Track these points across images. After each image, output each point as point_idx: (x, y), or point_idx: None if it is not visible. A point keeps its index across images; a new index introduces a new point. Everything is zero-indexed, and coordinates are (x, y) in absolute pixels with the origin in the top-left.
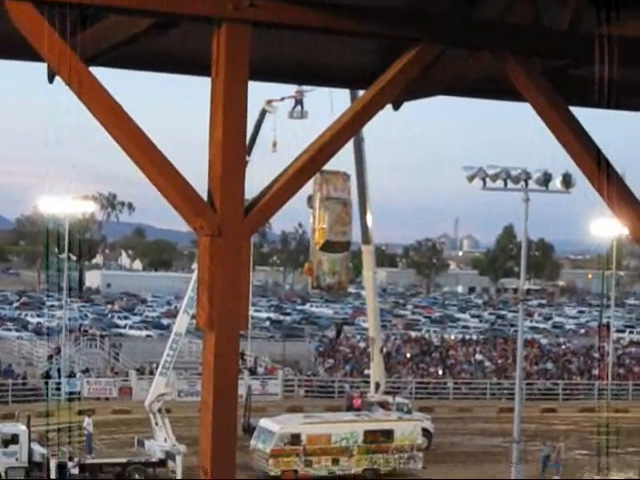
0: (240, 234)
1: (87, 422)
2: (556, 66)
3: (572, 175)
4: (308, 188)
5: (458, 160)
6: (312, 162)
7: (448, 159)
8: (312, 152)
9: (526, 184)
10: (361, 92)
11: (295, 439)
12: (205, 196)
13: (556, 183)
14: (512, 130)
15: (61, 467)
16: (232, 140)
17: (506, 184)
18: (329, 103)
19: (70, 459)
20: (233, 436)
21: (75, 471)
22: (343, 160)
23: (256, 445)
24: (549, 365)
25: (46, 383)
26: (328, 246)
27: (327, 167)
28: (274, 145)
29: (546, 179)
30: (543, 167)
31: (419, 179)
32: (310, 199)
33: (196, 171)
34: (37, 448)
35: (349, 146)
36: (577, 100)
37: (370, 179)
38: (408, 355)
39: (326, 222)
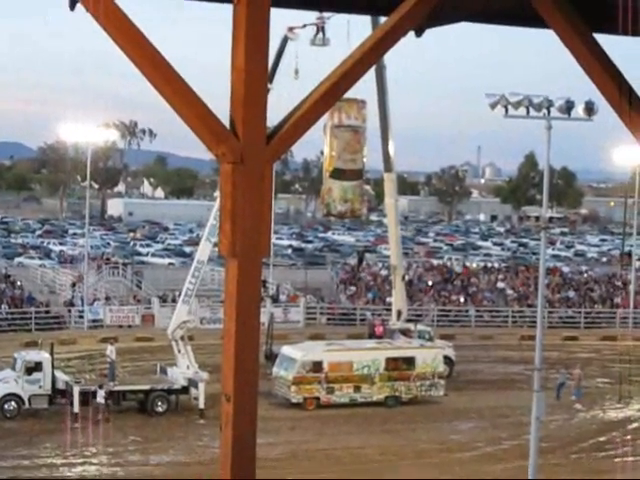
0: (262, 161)
1: (110, 350)
2: None
3: (595, 103)
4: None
5: (480, 87)
6: (334, 90)
7: (470, 86)
8: (334, 79)
9: (548, 112)
10: (383, 19)
11: (317, 366)
12: (227, 123)
13: (578, 111)
14: (534, 57)
15: (84, 394)
16: (254, 67)
17: (528, 112)
18: (349, 31)
19: (100, 387)
20: (255, 363)
21: (101, 399)
22: (365, 88)
23: (278, 372)
24: (571, 293)
25: (69, 311)
26: (338, 174)
27: (348, 94)
28: (296, 72)
29: (568, 107)
30: (566, 94)
31: (441, 107)
32: (324, 127)
33: (218, 98)
34: (60, 375)
35: (371, 73)
36: (601, 27)
37: (392, 107)
38: (430, 283)
39: (335, 150)
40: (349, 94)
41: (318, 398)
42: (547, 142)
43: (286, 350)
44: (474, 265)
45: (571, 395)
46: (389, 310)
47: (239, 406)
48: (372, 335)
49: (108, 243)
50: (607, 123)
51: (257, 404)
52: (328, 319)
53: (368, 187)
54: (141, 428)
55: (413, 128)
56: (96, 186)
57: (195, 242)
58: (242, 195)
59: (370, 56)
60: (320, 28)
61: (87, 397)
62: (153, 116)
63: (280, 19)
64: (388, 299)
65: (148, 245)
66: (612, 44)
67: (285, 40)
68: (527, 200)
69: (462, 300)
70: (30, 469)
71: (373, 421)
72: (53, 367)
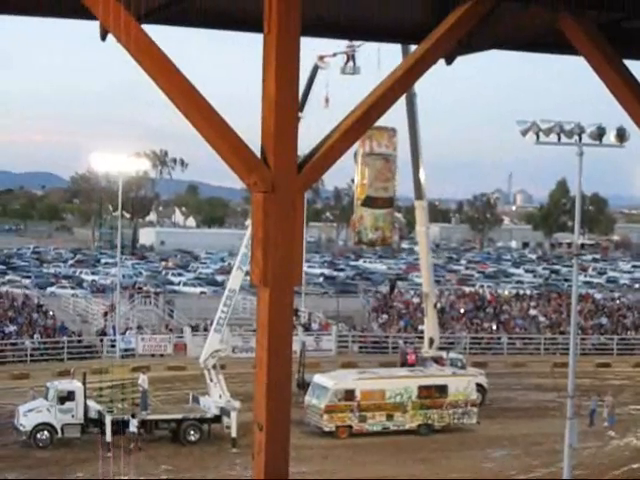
0: (293, 190)
1: (142, 379)
2: (610, 19)
3: (626, 129)
4: None
5: (511, 114)
6: (365, 118)
7: (500, 113)
8: (364, 108)
9: (580, 138)
10: (413, 47)
11: (349, 395)
12: (258, 153)
13: (610, 137)
14: (566, 84)
15: (116, 423)
16: (284, 96)
17: (559, 138)
18: (380, 58)
19: (133, 416)
20: (287, 392)
21: (134, 428)
22: (395, 116)
23: (310, 401)
24: (603, 320)
25: (101, 340)
26: (369, 202)
27: (379, 122)
28: (326, 101)
29: (600, 133)
30: (597, 119)
31: (472, 134)
32: (355, 155)
33: (249, 128)
34: (93, 405)
35: (401, 101)
36: (631, 53)
37: (422, 134)
38: (462, 310)
39: (367, 178)
40: (380, 122)
41: (350, 426)
42: (579, 168)
43: (318, 378)
44: (506, 292)
45: (604, 422)
46: (421, 338)
47: (271, 435)
48: (404, 363)
49: (140, 272)
50: (638, 149)
51: (289, 433)
52: (360, 347)
53: (399, 215)
54: (173, 457)
55: (444, 155)
56: (128, 215)
57: (227, 271)
58: (274, 224)
59: (401, 84)
60: (350, 57)
61: (119, 426)
62: (185, 146)
63: (310, 47)
64: (420, 327)
65: (180, 274)
66: None
67: (315, 69)
68: (559, 227)
69: (494, 327)
70: None
71: (406, 449)
72: (85, 396)
